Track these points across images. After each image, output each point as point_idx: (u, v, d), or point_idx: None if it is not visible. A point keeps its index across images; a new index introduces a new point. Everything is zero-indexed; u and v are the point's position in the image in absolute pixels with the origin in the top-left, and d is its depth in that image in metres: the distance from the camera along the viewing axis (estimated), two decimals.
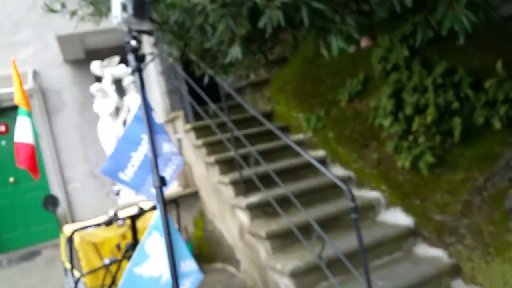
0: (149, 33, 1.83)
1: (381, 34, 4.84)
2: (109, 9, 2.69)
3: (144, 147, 1.92)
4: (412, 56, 4.41)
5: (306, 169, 4.91)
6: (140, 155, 1.92)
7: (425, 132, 4.13)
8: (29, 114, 4.78)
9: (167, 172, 1.95)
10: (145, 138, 1.92)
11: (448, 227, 3.80)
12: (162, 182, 1.83)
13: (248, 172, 4.46)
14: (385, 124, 4.34)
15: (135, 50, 1.81)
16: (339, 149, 4.86)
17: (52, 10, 2.59)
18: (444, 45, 4.39)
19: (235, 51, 2.06)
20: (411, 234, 3.99)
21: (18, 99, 4.80)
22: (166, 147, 1.96)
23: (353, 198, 2.45)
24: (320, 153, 5.06)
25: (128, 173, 1.91)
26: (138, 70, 1.81)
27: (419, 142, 4.13)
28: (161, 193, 1.83)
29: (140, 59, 1.83)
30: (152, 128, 1.86)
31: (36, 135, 5.04)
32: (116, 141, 2.02)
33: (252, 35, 2.15)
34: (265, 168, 4.36)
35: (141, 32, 1.83)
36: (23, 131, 4.71)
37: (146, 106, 1.86)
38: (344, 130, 4.89)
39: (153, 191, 1.86)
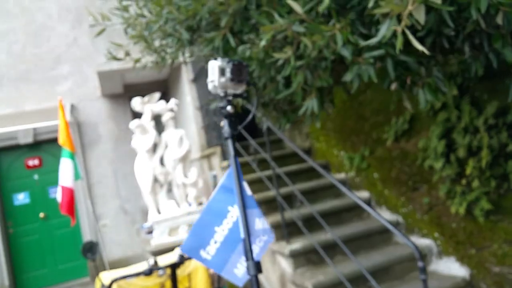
0: (243, 96, 1.72)
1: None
2: (176, 57, 2.62)
3: (229, 221, 1.71)
4: (461, 95, 4.22)
5: (349, 212, 4.68)
6: (224, 230, 1.70)
7: (479, 176, 3.90)
8: (73, 156, 4.73)
9: (254, 251, 1.66)
10: (232, 210, 1.71)
11: (508, 280, 3.51)
12: (258, 268, 1.56)
13: (290, 214, 4.25)
14: (437, 167, 4.12)
15: (231, 116, 1.70)
16: (386, 191, 4.63)
17: (116, 58, 2.54)
18: (493, 84, 4.19)
19: (311, 104, 1.94)
20: (468, 287, 3.69)
21: (62, 140, 4.76)
22: (258, 224, 1.74)
23: (420, 256, 2.23)
24: (364, 194, 4.83)
25: (210, 251, 1.68)
26: (232, 137, 1.69)
27: (473, 186, 3.89)
28: (257, 282, 1.55)
29: (235, 126, 1.72)
30: (244, 203, 1.62)
31: (78, 177, 4.97)
32: (199, 214, 1.78)
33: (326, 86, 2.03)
34: (309, 210, 4.15)
35: (236, 96, 1.73)
36: (66, 174, 4.65)
37: (239, 175, 1.65)
38: (390, 171, 4.66)
39: (238, 272, 1.65)
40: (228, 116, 1.71)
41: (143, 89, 7.50)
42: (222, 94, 1.70)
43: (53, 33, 7.82)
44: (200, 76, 6.38)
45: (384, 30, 1.41)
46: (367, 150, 5.01)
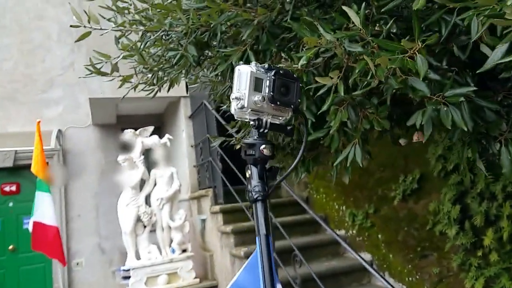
0: (287, 131, 1.24)
1: (438, 130, 4.40)
2: (176, 79, 2.21)
3: None
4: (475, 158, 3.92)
5: (348, 276, 4.25)
6: None
7: (499, 248, 3.53)
8: (50, 190, 4.26)
9: None
10: None
11: None
12: None
13: (284, 273, 3.81)
14: (450, 234, 3.75)
15: (264, 161, 1.19)
16: (390, 255, 4.22)
17: (99, 73, 2.11)
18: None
19: (352, 152, 1.56)
20: None
21: (35, 169, 4.28)
22: None
23: None
24: (366, 256, 4.41)
25: None
26: (264, 199, 1.14)
27: (491, 260, 3.52)
28: None
29: (272, 178, 1.21)
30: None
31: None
32: None
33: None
34: (304, 270, 3.71)
35: (275, 128, 1.21)
36: (43, 210, 4.15)
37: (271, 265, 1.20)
38: (397, 233, 4.27)
39: None
40: (260, 161, 1.17)
41: (137, 122, 7.12)
42: (253, 121, 1.16)
43: (49, 54, 7.52)
44: (198, 112, 6.05)
45: (500, 55, 1.05)
46: (371, 208, 4.63)
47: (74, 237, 7.17)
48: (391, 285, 3.21)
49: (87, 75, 2.01)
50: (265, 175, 1.18)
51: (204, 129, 5.69)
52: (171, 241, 5.19)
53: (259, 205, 1.14)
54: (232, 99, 1.13)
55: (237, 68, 1.15)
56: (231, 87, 1.95)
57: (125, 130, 5.10)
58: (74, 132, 7.48)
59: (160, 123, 7.84)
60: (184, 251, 5.18)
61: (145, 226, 5.16)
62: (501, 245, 3.51)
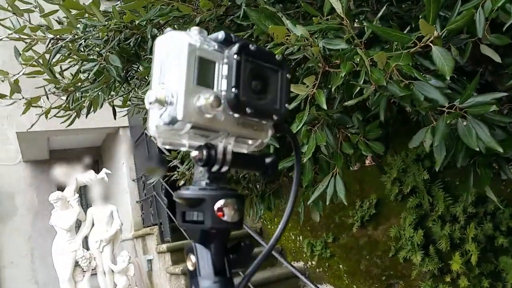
0: (268, 169, 0.70)
1: (390, 152, 4.28)
2: (96, 101, 1.77)
3: None
4: (431, 180, 3.83)
5: None
6: None
7: (467, 273, 3.40)
8: None
9: None
10: None
11: None
12: None
13: None
14: (416, 261, 3.57)
15: (223, 234, 0.64)
16: (354, 287, 3.97)
17: None
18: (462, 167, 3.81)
19: (331, 185, 1.25)
20: None
21: None
22: None
23: None
24: None
25: None
26: None
27: (461, 285, 3.37)
28: None
29: (244, 256, 0.66)
30: None
31: None
32: None
33: None
34: None
35: (248, 165, 0.69)
36: None
37: None
38: (359, 263, 4.04)
39: None
40: (215, 236, 0.62)
41: (72, 156, 6.61)
42: (197, 151, 0.59)
43: None
44: (140, 143, 5.64)
45: None
46: (330, 237, 4.38)
47: (8, 287, 6.48)
48: None
49: None
50: (228, 264, 0.62)
51: (146, 161, 5.27)
52: (115, 286, 4.70)
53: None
54: (150, 103, 0.55)
55: (159, 40, 0.58)
56: None
57: (56, 166, 4.61)
58: (3, 170, 6.84)
59: (98, 156, 7.35)
60: None
61: (84, 271, 4.65)
62: (469, 269, 3.39)
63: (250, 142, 0.64)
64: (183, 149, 0.61)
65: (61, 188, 5.15)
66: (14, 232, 6.79)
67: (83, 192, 4.92)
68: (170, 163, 2.55)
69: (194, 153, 0.59)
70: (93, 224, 4.73)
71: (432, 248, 3.58)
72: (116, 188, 6.36)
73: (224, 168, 0.60)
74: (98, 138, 6.89)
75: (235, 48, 0.56)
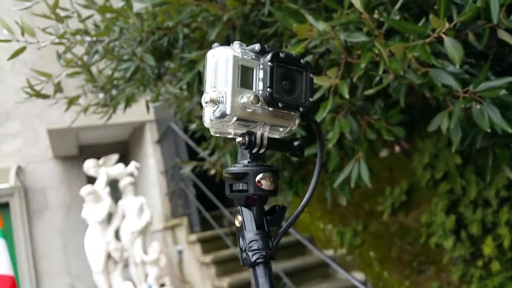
0: (294, 151, 0.82)
1: (422, 137, 4.21)
2: (132, 98, 1.83)
3: None
4: (464, 164, 3.75)
5: None
6: None
7: (500, 257, 3.34)
8: (2, 234, 3.80)
9: None
10: None
11: None
12: None
13: None
14: (447, 246, 3.54)
15: (261, 202, 0.81)
16: (385, 273, 3.96)
17: (39, 95, 1.76)
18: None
19: (356, 169, 1.26)
20: None
21: None
22: None
23: None
24: (359, 276, 4.11)
25: None
26: (267, 262, 0.77)
27: (493, 269, 3.32)
28: None
29: (276, 223, 0.83)
30: None
31: (14, 264, 4.02)
32: None
33: None
34: None
35: (274, 146, 0.80)
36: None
37: None
38: (390, 250, 4.02)
39: None
40: (256, 200, 0.78)
41: (100, 151, 6.73)
42: (241, 137, 0.77)
43: (3, 86, 7.04)
44: (166, 136, 5.71)
45: None
46: (359, 224, 4.36)
47: (43, 279, 6.73)
48: None
49: (25, 99, 1.66)
50: (266, 222, 0.79)
51: (173, 154, 5.36)
52: (147, 276, 4.79)
53: (260, 270, 0.75)
54: (206, 103, 0.72)
55: (210, 53, 0.75)
56: (199, 103, 1.57)
57: (87, 161, 4.70)
58: (34, 167, 7.00)
59: (125, 151, 7.45)
60: (162, 285, 4.77)
61: (116, 263, 4.74)
62: (502, 253, 3.38)
63: (281, 129, 0.82)
64: (229, 136, 0.78)
65: (91, 182, 5.26)
66: (47, 226, 6.94)
67: (113, 185, 5.00)
68: (199, 155, 2.59)
69: (238, 139, 0.77)
70: (124, 217, 4.81)
71: (464, 233, 3.54)
72: (144, 181, 6.45)
73: (262, 150, 0.78)
74: (125, 132, 6.99)
75: (269, 56, 0.74)
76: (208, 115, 0.74)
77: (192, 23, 1.38)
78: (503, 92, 0.97)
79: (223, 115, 0.73)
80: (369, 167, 1.38)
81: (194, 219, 5.03)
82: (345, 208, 4.63)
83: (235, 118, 0.73)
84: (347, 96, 1.07)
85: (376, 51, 0.97)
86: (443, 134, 3.89)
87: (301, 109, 0.77)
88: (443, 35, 0.95)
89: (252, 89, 0.74)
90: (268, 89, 0.73)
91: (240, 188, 0.77)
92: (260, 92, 0.74)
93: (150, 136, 6.13)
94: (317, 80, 1.08)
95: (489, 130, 0.99)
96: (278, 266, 4.01)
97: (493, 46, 1.32)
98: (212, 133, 0.78)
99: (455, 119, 1.03)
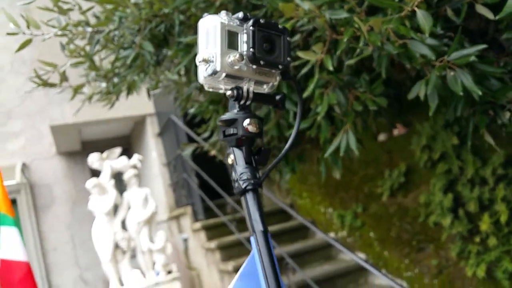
0: (277, 104, 0.94)
1: (419, 120, 4.28)
2: (134, 85, 1.93)
3: None
4: (460, 144, 3.84)
5: (344, 277, 4.06)
6: None
7: (496, 232, 3.42)
8: (15, 223, 3.90)
9: None
10: None
11: None
12: None
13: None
14: (445, 224, 3.62)
15: (250, 142, 0.93)
16: (385, 253, 4.05)
17: (46, 84, 1.85)
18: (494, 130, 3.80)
19: (345, 140, 1.36)
20: None
21: None
22: None
23: None
24: (360, 256, 4.20)
25: None
26: (255, 189, 0.89)
27: (490, 245, 3.41)
28: None
29: (262, 161, 0.96)
30: None
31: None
32: None
33: None
34: (299, 277, 3.50)
35: (259, 98, 0.95)
36: (11, 246, 3.75)
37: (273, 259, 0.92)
38: (389, 230, 4.11)
39: None
40: (245, 141, 0.91)
41: (103, 146, 6.80)
42: (230, 91, 0.90)
43: (4, 85, 7.12)
44: (166, 129, 5.79)
45: None
46: (359, 207, 4.46)
47: (53, 271, 6.85)
48: (392, 279, 3.03)
49: (33, 88, 1.75)
50: (254, 159, 0.91)
51: (174, 145, 5.45)
52: (154, 264, 4.91)
53: (249, 196, 0.87)
54: (199, 62, 0.86)
55: (202, 21, 0.88)
56: (198, 88, 1.70)
57: (91, 155, 4.80)
58: (39, 164, 7.11)
59: (128, 145, 7.54)
60: (169, 272, 4.89)
61: (124, 253, 4.86)
62: (498, 228, 3.43)
63: (265, 86, 0.95)
64: (221, 91, 0.93)
65: (96, 177, 5.36)
66: (55, 220, 7.05)
67: (117, 178, 5.10)
68: (200, 135, 2.68)
69: (228, 92, 0.91)
70: (129, 208, 4.92)
71: (461, 210, 3.62)
72: (148, 174, 6.55)
73: (248, 102, 0.92)
74: (126, 127, 7.07)
75: (250, 22, 0.87)
76: (202, 72, 0.88)
77: (187, 11, 1.47)
78: (472, 58, 1.07)
79: (214, 72, 0.86)
80: (358, 138, 1.48)
81: (198, 207, 5.14)
82: (345, 192, 4.73)
83: (224, 74, 0.87)
84: (331, 68, 1.17)
85: (357, 26, 1.06)
86: (440, 116, 3.95)
87: (280, 66, 0.91)
88: (416, 8, 1.05)
89: (237, 49, 0.87)
90: (251, 49, 0.86)
91: (231, 132, 0.91)
92: (245, 52, 0.86)
93: (151, 129, 6.21)
94: (303, 55, 1.19)
95: (461, 93, 1.09)
96: (282, 249, 4.12)
97: (474, 20, 1.41)
98: (206, 88, 0.92)
99: (431, 86, 1.14)
